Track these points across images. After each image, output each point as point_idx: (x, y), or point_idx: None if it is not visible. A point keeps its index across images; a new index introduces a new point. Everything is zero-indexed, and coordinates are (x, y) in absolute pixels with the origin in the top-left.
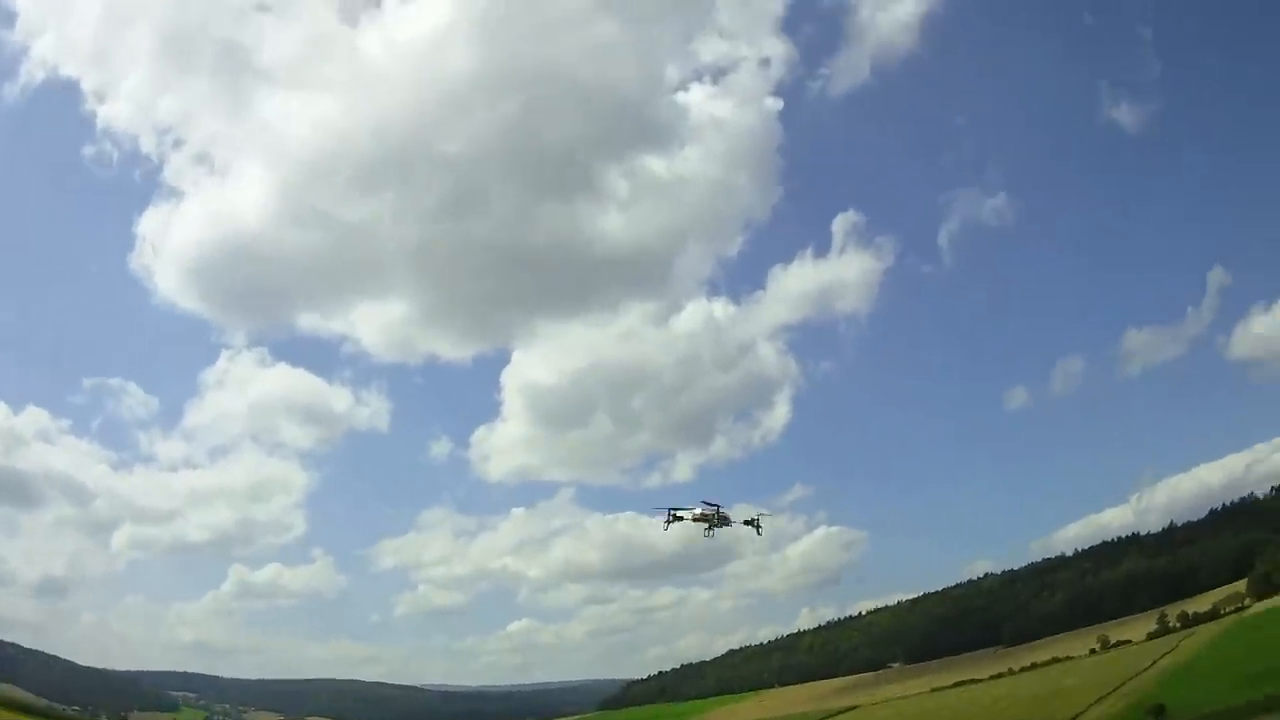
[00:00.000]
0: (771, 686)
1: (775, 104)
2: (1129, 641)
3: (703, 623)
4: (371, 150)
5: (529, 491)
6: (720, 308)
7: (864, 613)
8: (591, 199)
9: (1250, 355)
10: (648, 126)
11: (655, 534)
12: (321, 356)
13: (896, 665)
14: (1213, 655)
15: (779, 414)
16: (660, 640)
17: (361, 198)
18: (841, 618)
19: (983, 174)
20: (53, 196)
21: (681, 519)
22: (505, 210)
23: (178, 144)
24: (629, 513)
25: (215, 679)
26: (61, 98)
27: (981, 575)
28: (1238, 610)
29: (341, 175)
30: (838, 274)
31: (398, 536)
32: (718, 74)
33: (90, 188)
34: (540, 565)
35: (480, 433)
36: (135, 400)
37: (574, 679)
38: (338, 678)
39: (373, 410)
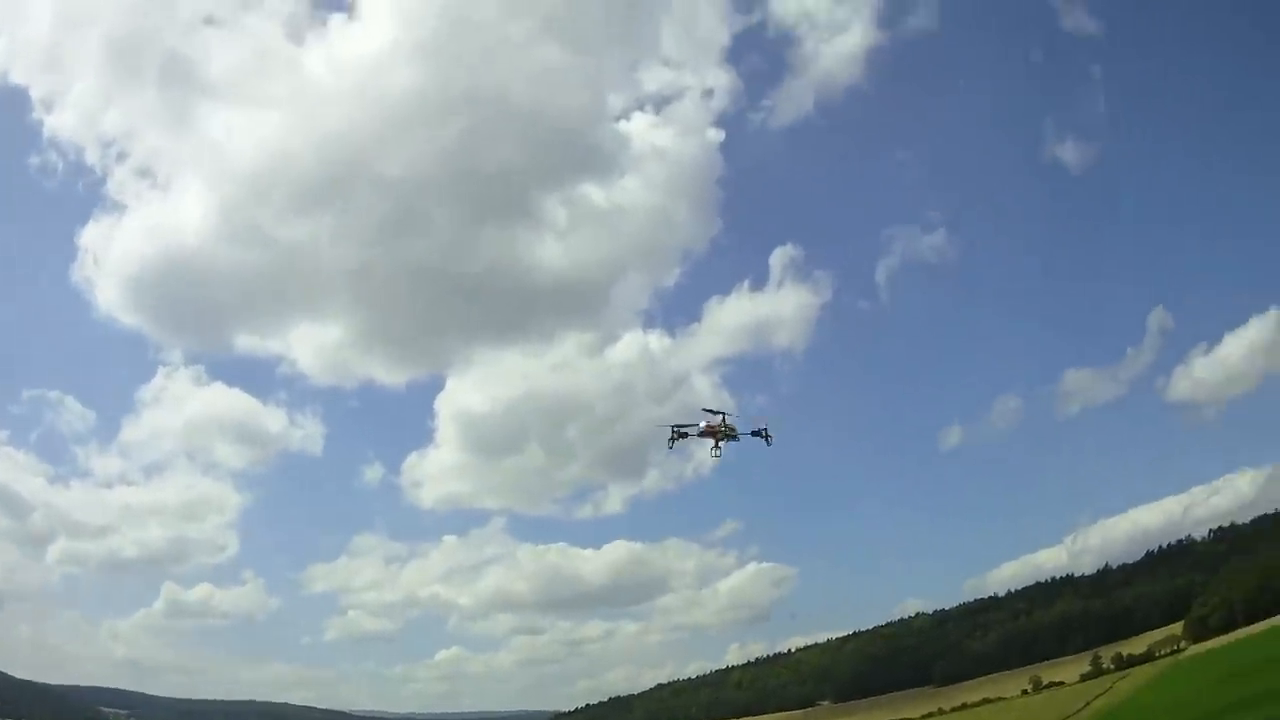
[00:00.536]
0: None
1: (717, 135)
2: (1062, 683)
3: (631, 656)
4: (312, 169)
5: (461, 519)
6: (656, 339)
7: (794, 650)
8: (530, 226)
9: (1190, 398)
10: (589, 154)
11: (586, 565)
12: (257, 377)
13: (826, 703)
14: (1147, 698)
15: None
16: (589, 672)
17: (301, 217)
18: (771, 654)
19: (923, 210)
20: None
21: (686, 435)
22: (444, 235)
23: (121, 157)
24: (560, 543)
25: (147, 697)
26: (10, 105)
27: (913, 614)
28: (1173, 653)
29: (282, 194)
30: (775, 308)
31: (329, 561)
32: (660, 103)
33: (35, 197)
34: (470, 594)
35: (413, 459)
36: (73, 414)
37: (502, 709)
38: (268, 700)
39: (307, 433)
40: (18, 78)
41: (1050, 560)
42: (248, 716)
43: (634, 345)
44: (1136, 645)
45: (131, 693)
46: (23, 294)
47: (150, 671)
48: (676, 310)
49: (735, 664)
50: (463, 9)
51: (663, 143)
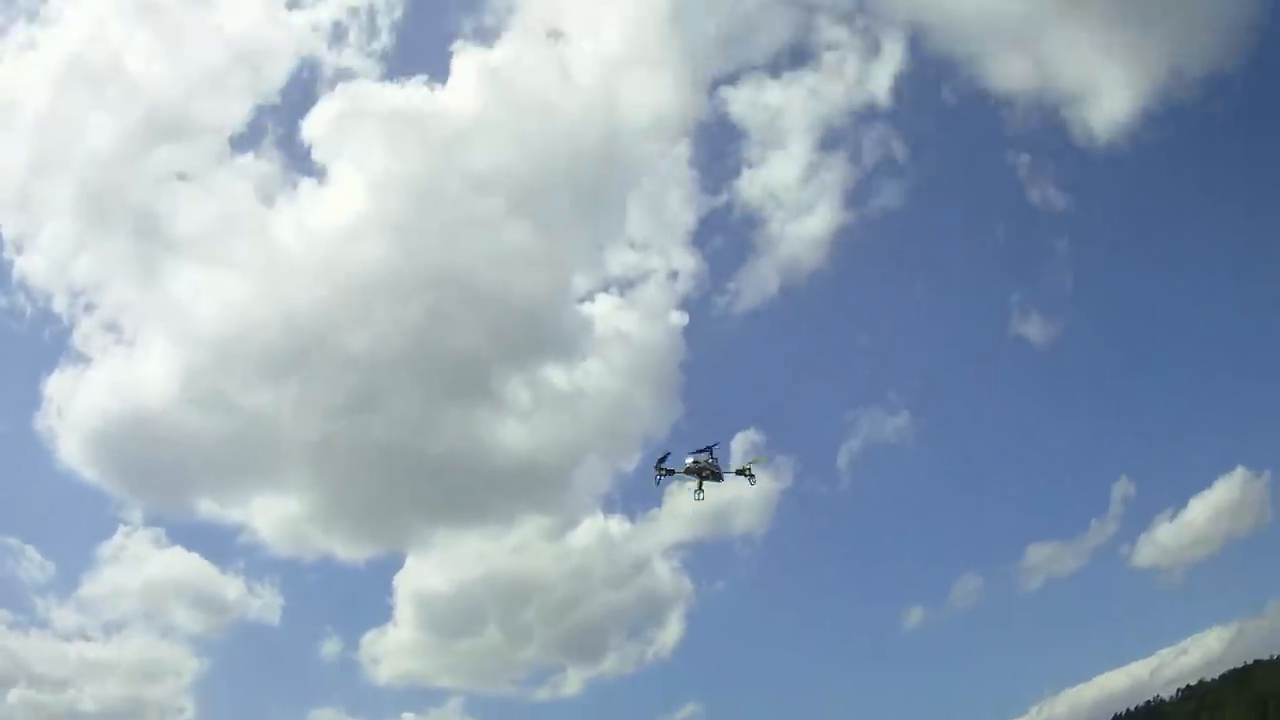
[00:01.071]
0: None
1: (681, 318)
2: None
3: None
4: (277, 339)
5: (418, 697)
6: (616, 524)
7: None
8: (492, 407)
9: (1155, 563)
10: (553, 337)
11: None
12: (217, 544)
13: None
14: None
15: (671, 631)
16: None
17: (264, 387)
18: None
19: (886, 392)
20: None
21: (673, 472)
22: (406, 413)
23: (89, 308)
24: None
25: None
26: None
27: None
28: None
29: (246, 361)
30: (735, 493)
31: None
32: (625, 286)
33: (2, 338)
34: None
35: (371, 635)
36: (33, 563)
37: None
38: None
39: (265, 603)
40: None
41: None
42: None
43: (594, 530)
44: None
45: None
46: None
47: None
48: (637, 495)
49: None
50: (431, 183)
51: (626, 326)
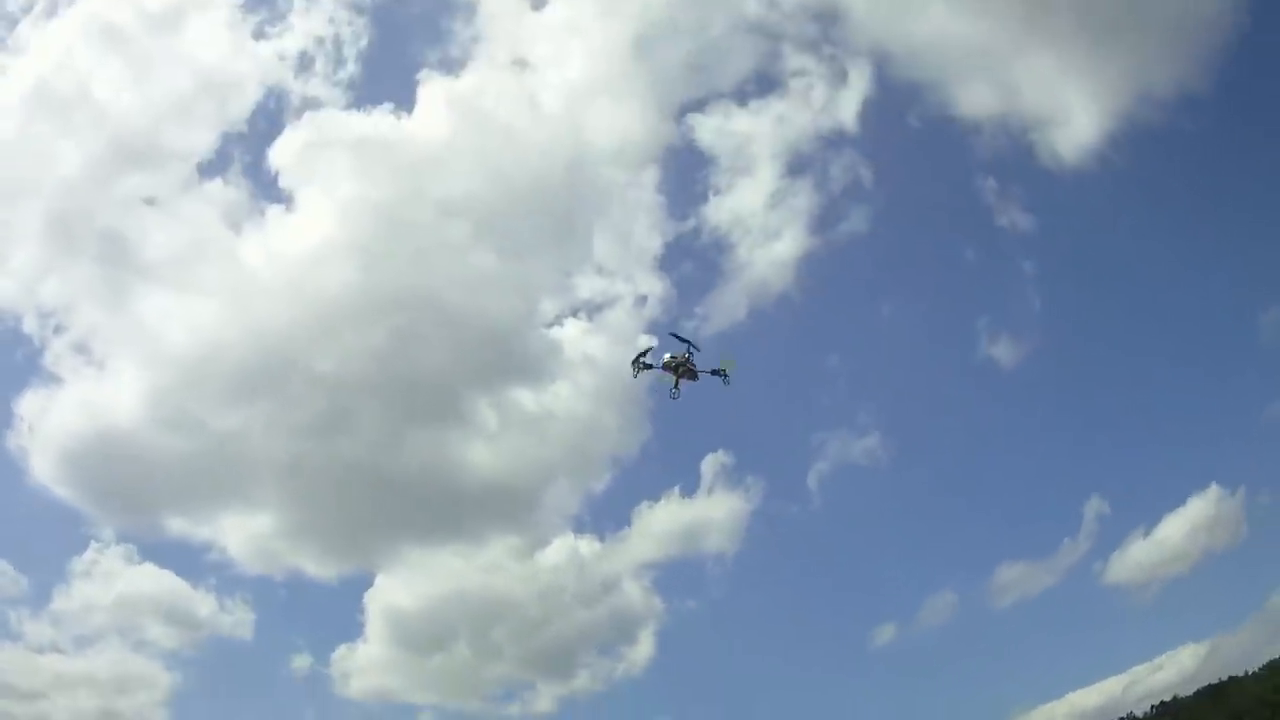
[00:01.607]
0: None
1: (649, 342)
2: None
3: None
4: (246, 360)
5: (389, 713)
6: (586, 544)
7: None
8: (460, 428)
9: (1129, 581)
10: (521, 360)
11: None
12: (188, 560)
13: None
14: None
15: (642, 650)
16: None
17: (233, 407)
18: None
19: (855, 414)
20: None
21: (650, 366)
22: (375, 433)
23: (59, 330)
24: None
25: None
26: None
27: None
28: None
29: (215, 383)
30: (706, 513)
31: None
32: (593, 310)
33: None
34: None
35: (342, 651)
36: (6, 577)
37: None
38: None
39: (236, 619)
40: None
41: None
42: None
43: (564, 549)
44: None
45: None
46: None
47: None
48: (607, 515)
49: None
50: (399, 210)
51: (594, 350)
